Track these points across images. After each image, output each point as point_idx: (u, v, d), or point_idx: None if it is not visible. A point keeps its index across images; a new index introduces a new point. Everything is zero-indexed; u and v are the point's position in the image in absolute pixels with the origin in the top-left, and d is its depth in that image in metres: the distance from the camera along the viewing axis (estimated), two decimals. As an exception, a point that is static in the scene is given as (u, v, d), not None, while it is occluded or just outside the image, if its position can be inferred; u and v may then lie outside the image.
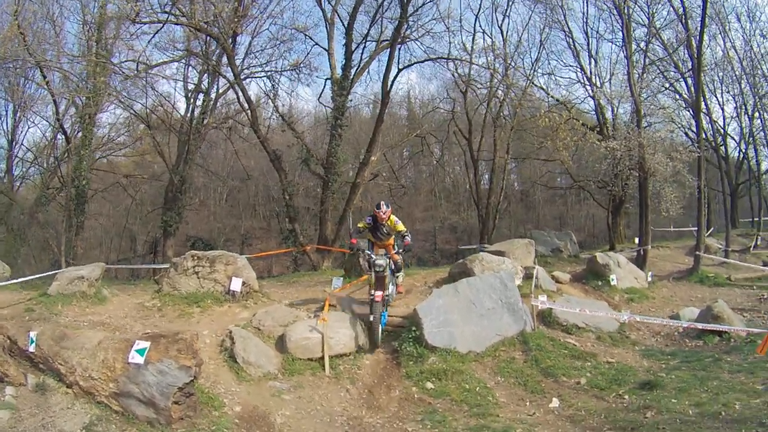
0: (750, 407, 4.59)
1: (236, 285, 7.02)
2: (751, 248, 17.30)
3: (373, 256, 6.87)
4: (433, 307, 6.60)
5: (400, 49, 16.36)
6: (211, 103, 16.84)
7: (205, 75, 16.88)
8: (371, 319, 6.35)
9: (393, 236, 7.49)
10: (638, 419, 4.63)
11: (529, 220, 31.43)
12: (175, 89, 25.28)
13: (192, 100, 17.20)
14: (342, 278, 8.98)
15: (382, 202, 7.24)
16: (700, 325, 7.45)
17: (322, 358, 5.66)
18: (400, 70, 17.01)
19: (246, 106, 15.17)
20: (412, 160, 29.14)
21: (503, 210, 21.62)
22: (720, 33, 20.99)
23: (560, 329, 7.48)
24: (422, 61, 17.22)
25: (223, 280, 7.13)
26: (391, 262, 7.07)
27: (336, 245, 14.89)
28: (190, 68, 17.34)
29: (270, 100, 17.38)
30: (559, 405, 5.11)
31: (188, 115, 17.03)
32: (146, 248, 23.68)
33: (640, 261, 12.95)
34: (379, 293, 6.42)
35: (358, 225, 7.35)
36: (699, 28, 14.53)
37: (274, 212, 28.71)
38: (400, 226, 7.15)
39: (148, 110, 16.88)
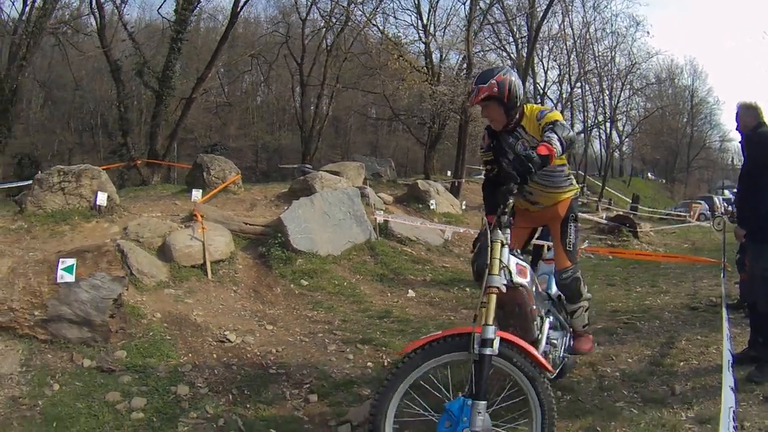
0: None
1: (102, 199, 6.77)
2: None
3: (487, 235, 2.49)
4: (295, 216, 7.07)
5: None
6: (54, 3, 14.40)
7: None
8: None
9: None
10: (482, 303, 5.73)
11: (338, 146, 32.15)
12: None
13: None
14: (200, 190, 8.65)
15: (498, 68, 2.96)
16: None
17: (203, 264, 5.84)
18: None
19: (96, 10, 14.01)
20: (238, 78, 28.50)
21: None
22: (561, 11, 22.61)
23: (396, 241, 8.33)
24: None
25: (89, 195, 6.84)
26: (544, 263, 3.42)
27: (166, 160, 14.84)
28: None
29: (115, 7, 15.76)
30: (415, 295, 5.90)
31: (26, 14, 14.45)
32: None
33: (454, 191, 14.38)
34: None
35: (483, 158, 3.10)
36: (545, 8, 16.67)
37: (88, 126, 27.37)
38: (554, 115, 2.77)
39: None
